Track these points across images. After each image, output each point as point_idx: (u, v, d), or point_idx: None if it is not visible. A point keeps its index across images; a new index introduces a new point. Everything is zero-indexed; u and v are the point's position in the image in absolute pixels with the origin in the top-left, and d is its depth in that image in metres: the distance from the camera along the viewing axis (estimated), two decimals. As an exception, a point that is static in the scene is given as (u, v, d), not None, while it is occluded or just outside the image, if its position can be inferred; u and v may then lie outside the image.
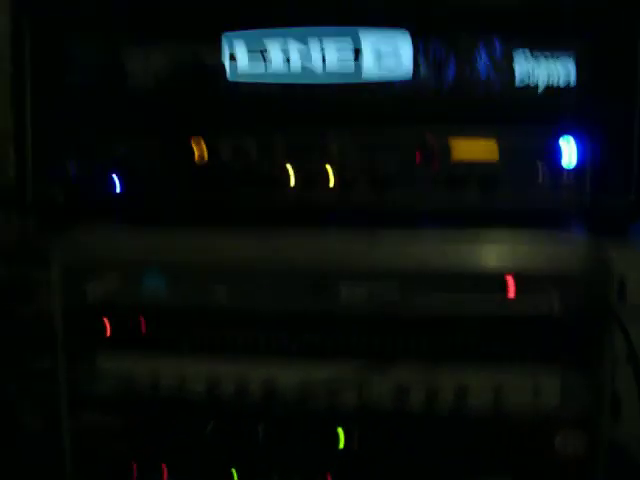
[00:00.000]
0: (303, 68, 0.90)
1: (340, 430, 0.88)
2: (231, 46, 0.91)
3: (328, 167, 0.90)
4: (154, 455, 0.92)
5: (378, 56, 0.89)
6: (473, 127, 0.90)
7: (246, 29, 0.90)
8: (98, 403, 0.92)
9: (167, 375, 0.90)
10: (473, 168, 0.89)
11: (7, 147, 1.57)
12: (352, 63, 0.90)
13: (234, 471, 0.91)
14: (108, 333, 0.91)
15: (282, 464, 0.90)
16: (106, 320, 0.90)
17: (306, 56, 0.90)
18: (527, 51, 0.88)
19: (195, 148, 0.93)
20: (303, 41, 0.89)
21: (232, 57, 0.92)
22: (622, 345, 0.84)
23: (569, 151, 0.88)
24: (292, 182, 0.91)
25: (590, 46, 0.87)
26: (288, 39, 0.89)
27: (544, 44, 0.87)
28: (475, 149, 0.89)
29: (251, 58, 0.92)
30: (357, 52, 0.90)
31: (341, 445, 0.89)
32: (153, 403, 0.91)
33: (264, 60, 0.91)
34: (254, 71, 0.92)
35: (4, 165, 1.59)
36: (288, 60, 0.91)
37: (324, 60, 0.90)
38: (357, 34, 0.88)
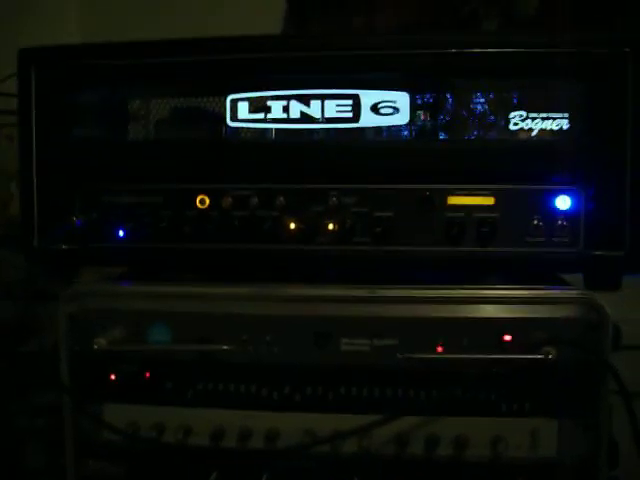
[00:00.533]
0: (302, 114, 0.92)
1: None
2: (234, 105, 0.92)
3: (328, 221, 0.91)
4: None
5: (376, 105, 0.91)
6: (470, 182, 0.90)
7: (250, 91, 0.92)
8: (103, 451, 0.93)
9: (171, 424, 0.91)
10: (471, 220, 0.90)
11: (8, 185, 1.60)
12: (350, 109, 0.92)
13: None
14: (113, 382, 0.92)
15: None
16: (112, 369, 0.91)
17: (305, 106, 0.92)
18: (523, 112, 0.90)
19: (197, 199, 0.94)
20: (305, 102, 0.91)
21: (234, 110, 0.93)
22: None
23: (563, 207, 0.89)
24: (292, 235, 0.92)
25: (583, 104, 0.89)
26: (290, 101, 0.91)
27: (539, 105, 0.89)
28: (473, 203, 0.91)
29: (252, 110, 0.93)
30: (356, 101, 0.91)
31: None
32: (158, 452, 0.92)
33: (265, 110, 0.93)
34: (254, 117, 0.93)
35: (6, 202, 1.61)
36: (287, 109, 0.93)
37: (323, 108, 0.92)
38: (358, 97, 0.90)
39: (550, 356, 0.83)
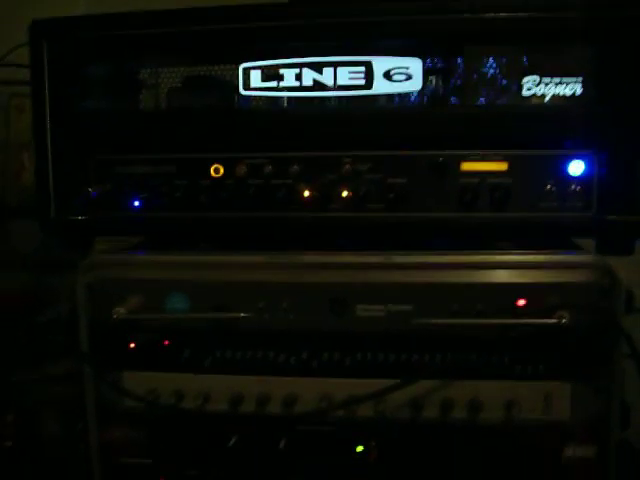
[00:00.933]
0: (314, 82, 0.92)
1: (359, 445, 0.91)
2: (246, 74, 0.93)
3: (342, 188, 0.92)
4: (178, 469, 0.96)
5: (389, 72, 0.91)
6: (484, 148, 0.91)
7: (262, 59, 0.92)
8: (124, 417, 0.95)
9: (190, 391, 0.92)
10: (484, 186, 0.91)
11: (20, 156, 1.60)
12: (363, 76, 0.92)
13: (257, 483, 0.95)
14: (133, 350, 0.93)
15: (304, 477, 0.93)
16: (131, 338, 0.93)
17: (318, 73, 0.92)
18: (536, 77, 0.89)
19: (211, 168, 0.95)
20: (317, 70, 0.91)
21: (247, 79, 0.94)
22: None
23: (577, 172, 0.89)
24: (306, 202, 0.93)
25: (596, 68, 0.89)
26: (303, 69, 0.91)
27: (552, 70, 0.89)
28: (486, 168, 0.91)
29: (265, 79, 0.93)
30: (368, 68, 0.91)
31: (359, 456, 0.92)
32: (177, 418, 0.94)
33: (277, 79, 0.93)
34: (267, 85, 0.93)
35: (18, 173, 1.62)
36: (300, 77, 0.93)
37: (335, 76, 0.92)
38: (370, 64, 0.90)
39: (563, 320, 0.84)
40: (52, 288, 1.49)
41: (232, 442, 0.92)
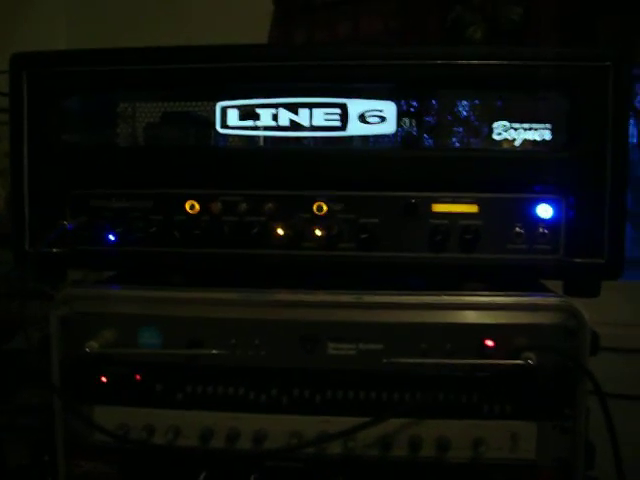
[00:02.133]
0: (291, 122, 0.94)
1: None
2: (224, 112, 0.94)
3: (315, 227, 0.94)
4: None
5: (363, 114, 0.93)
6: (455, 190, 0.93)
7: (240, 99, 0.93)
8: (94, 451, 0.95)
9: (161, 426, 0.93)
10: (455, 228, 0.93)
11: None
12: (338, 118, 0.94)
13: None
14: (104, 384, 0.94)
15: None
16: (103, 372, 0.93)
17: (294, 114, 0.94)
18: (506, 122, 0.92)
19: (187, 204, 0.96)
20: (293, 110, 0.93)
21: (224, 117, 0.95)
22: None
23: (545, 215, 0.92)
24: (280, 240, 0.94)
25: (565, 115, 0.92)
26: (279, 109, 0.93)
27: (522, 115, 0.92)
28: (457, 210, 0.93)
29: (242, 117, 0.95)
30: (344, 110, 0.93)
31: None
32: (148, 452, 0.94)
33: (254, 118, 0.95)
34: (244, 124, 0.95)
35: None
36: (276, 116, 0.95)
37: (311, 116, 0.94)
38: (346, 106, 0.92)
39: (530, 361, 0.86)
40: (22, 316, 1.48)
41: (202, 477, 0.92)
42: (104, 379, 0.94)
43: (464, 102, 0.97)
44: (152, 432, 0.93)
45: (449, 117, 0.98)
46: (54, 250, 0.98)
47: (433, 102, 0.98)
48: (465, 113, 0.97)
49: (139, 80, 0.98)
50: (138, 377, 0.93)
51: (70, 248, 0.98)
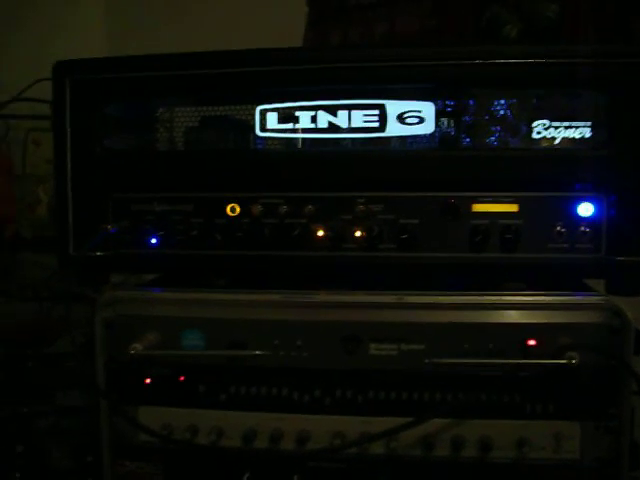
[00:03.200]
0: (329, 124, 0.95)
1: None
2: (263, 115, 0.95)
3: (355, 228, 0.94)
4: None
5: (402, 115, 0.94)
6: (494, 190, 0.93)
7: (278, 102, 0.94)
8: (139, 452, 0.96)
9: (205, 426, 0.94)
10: (495, 227, 0.93)
11: (36, 189, 1.63)
12: (377, 119, 0.94)
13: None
14: (149, 386, 0.95)
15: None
16: (147, 373, 0.95)
17: (332, 116, 0.94)
18: (546, 121, 0.92)
19: (227, 207, 0.97)
20: (332, 112, 0.93)
21: (263, 120, 0.96)
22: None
23: (586, 214, 0.91)
24: (320, 242, 0.95)
25: (605, 113, 0.91)
26: (318, 111, 0.94)
27: (562, 114, 0.91)
28: (497, 210, 0.93)
29: (281, 120, 0.96)
30: (382, 111, 0.94)
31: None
32: (192, 453, 0.95)
33: (293, 121, 0.96)
34: (283, 127, 0.96)
35: (33, 206, 1.65)
36: (315, 119, 0.95)
37: (350, 118, 0.95)
38: (384, 107, 0.92)
39: (573, 361, 0.85)
40: (63, 319, 1.50)
41: (245, 477, 0.93)
42: (148, 380, 0.95)
43: (502, 101, 0.97)
44: (196, 432, 0.94)
45: (487, 116, 0.97)
46: (97, 254, 1.00)
47: (471, 102, 0.98)
48: (503, 112, 0.97)
49: (178, 85, 1.00)
50: (182, 378, 0.94)
51: (113, 252, 0.99)
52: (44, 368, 1.56)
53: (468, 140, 0.98)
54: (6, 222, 1.60)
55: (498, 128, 0.98)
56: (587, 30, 1.51)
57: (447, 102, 0.98)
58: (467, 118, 0.98)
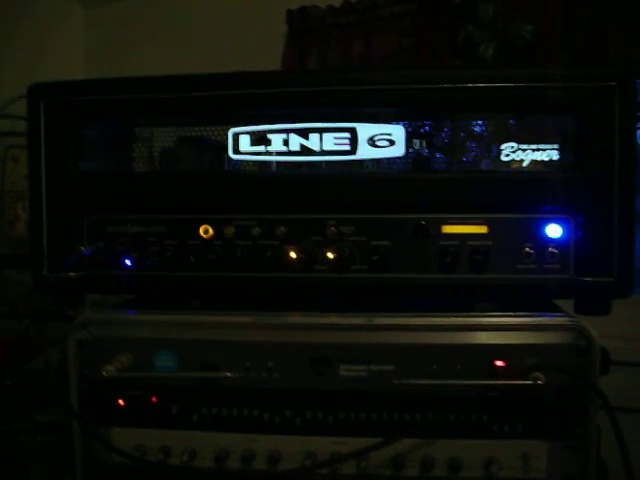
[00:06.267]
0: (301, 147, 0.96)
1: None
2: (235, 138, 0.96)
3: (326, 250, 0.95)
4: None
5: (373, 138, 0.95)
6: (464, 211, 0.94)
7: (251, 125, 0.95)
8: (112, 472, 0.97)
9: (177, 447, 0.94)
10: (464, 249, 0.94)
11: (16, 207, 1.64)
12: (348, 142, 0.95)
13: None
14: (121, 407, 0.96)
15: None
16: (119, 395, 0.95)
17: (304, 139, 0.96)
18: (514, 144, 0.93)
19: (201, 229, 0.98)
20: (303, 135, 0.95)
21: (236, 143, 0.97)
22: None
23: (554, 235, 0.93)
24: (293, 263, 0.96)
25: (572, 136, 0.93)
26: (290, 134, 0.95)
27: (530, 136, 0.93)
28: (466, 231, 0.94)
29: (253, 143, 0.97)
30: (353, 134, 0.95)
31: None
32: (164, 474, 0.96)
33: (265, 143, 0.97)
34: (255, 150, 0.97)
35: (12, 223, 1.65)
36: (287, 141, 0.96)
37: (321, 141, 0.96)
38: (355, 130, 0.94)
39: (539, 381, 0.87)
40: (42, 338, 1.51)
41: (217, 498, 0.93)
42: (121, 402, 0.95)
43: (473, 123, 0.98)
44: (168, 453, 0.94)
45: (458, 139, 0.99)
46: (72, 275, 1.00)
47: (442, 124, 0.99)
48: (473, 138, 0.98)
49: (153, 108, 1.00)
50: (154, 399, 0.94)
51: (87, 273, 1.00)
52: (23, 385, 1.56)
53: (439, 162, 0.99)
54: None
55: (469, 151, 0.99)
56: (561, 50, 1.54)
57: (419, 124, 0.99)
58: (438, 140, 0.99)
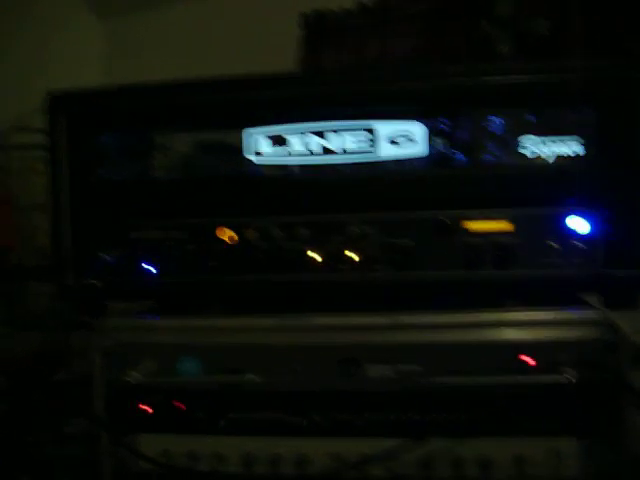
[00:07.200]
0: (321, 147, 0.95)
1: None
2: (255, 140, 0.96)
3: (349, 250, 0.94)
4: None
5: (393, 137, 0.94)
6: (487, 207, 0.93)
7: (269, 126, 0.95)
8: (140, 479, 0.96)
9: (204, 453, 0.94)
10: (489, 245, 0.93)
11: (37, 218, 1.64)
12: (368, 141, 0.95)
13: None
14: (147, 413, 0.95)
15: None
16: (145, 401, 0.95)
17: (324, 140, 0.95)
18: (537, 137, 0.92)
19: (223, 233, 0.98)
20: (324, 136, 0.94)
21: (256, 146, 0.97)
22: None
23: (580, 229, 0.91)
24: (315, 265, 0.95)
25: (597, 129, 0.91)
26: (310, 135, 0.94)
27: (554, 130, 0.92)
28: (490, 227, 0.93)
29: (273, 145, 0.97)
30: (373, 133, 0.94)
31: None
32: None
33: (285, 145, 0.96)
34: (274, 151, 0.96)
35: (33, 234, 1.66)
36: (307, 142, 0.96)
37: (341, 142, 0.95)
38: (375, 129, 0.93)
39: (570, 377, 0.85)
40: (67, 347, 1.50)
41: (246, 503, 0.92)
42: (147, 408, 0.94)
43: (494, 118, 0.97)
44: (195, 459, 0.93)
45: (479, 134, 0.97)
46: (95, 283, 1.00)
47: (462, 120, 0.98)
48: (495, 129, 0.97)
49: (172, 112, 1.00)
50: (180, 405, 0.94)
51: (111, 280, 0.99)
52: (49, 397, 1.56)
53: (462, 158, 0.98)
54: (7, 251, 1.61)
55: (491, 146, 0.97)
56: (580, 45, 1.52)
57: (438, 121, 0.98)
58: (459, 137, 0.98)
